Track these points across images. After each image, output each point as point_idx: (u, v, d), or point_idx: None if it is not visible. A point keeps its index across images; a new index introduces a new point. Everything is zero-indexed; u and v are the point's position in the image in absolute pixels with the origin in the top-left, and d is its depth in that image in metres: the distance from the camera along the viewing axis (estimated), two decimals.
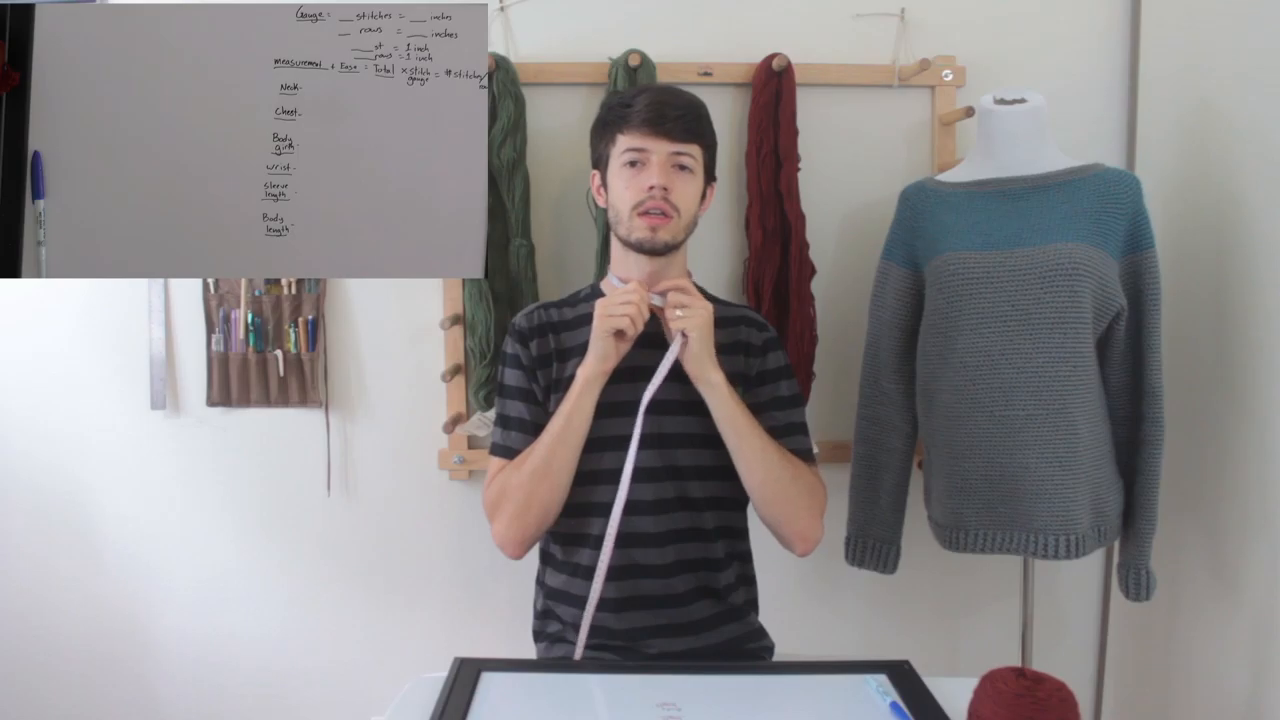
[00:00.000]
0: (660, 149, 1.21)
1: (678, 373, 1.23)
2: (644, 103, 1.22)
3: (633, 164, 1.22)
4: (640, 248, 1.24)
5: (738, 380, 1.28)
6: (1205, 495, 1.54)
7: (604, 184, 1.29)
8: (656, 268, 1.26)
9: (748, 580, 1.37)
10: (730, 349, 1.30)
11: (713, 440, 1.24)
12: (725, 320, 1.31)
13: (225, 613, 1.81)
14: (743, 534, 1.35)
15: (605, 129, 1.27)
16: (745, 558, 1.36)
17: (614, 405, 1.24)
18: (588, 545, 1.26)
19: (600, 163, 1.29)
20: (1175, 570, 1.59)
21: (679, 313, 1.20)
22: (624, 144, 1.23)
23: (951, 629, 1.85)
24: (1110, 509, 1.39)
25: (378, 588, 1.81)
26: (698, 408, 1.23)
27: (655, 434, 1.23)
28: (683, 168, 1.23)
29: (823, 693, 1.09)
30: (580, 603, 1.25)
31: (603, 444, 1.24)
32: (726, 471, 1.26)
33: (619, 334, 1.19)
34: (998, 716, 0.95)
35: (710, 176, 1.30)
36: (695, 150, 1.24)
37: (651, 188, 1.20)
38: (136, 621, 1.82)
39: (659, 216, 1.21)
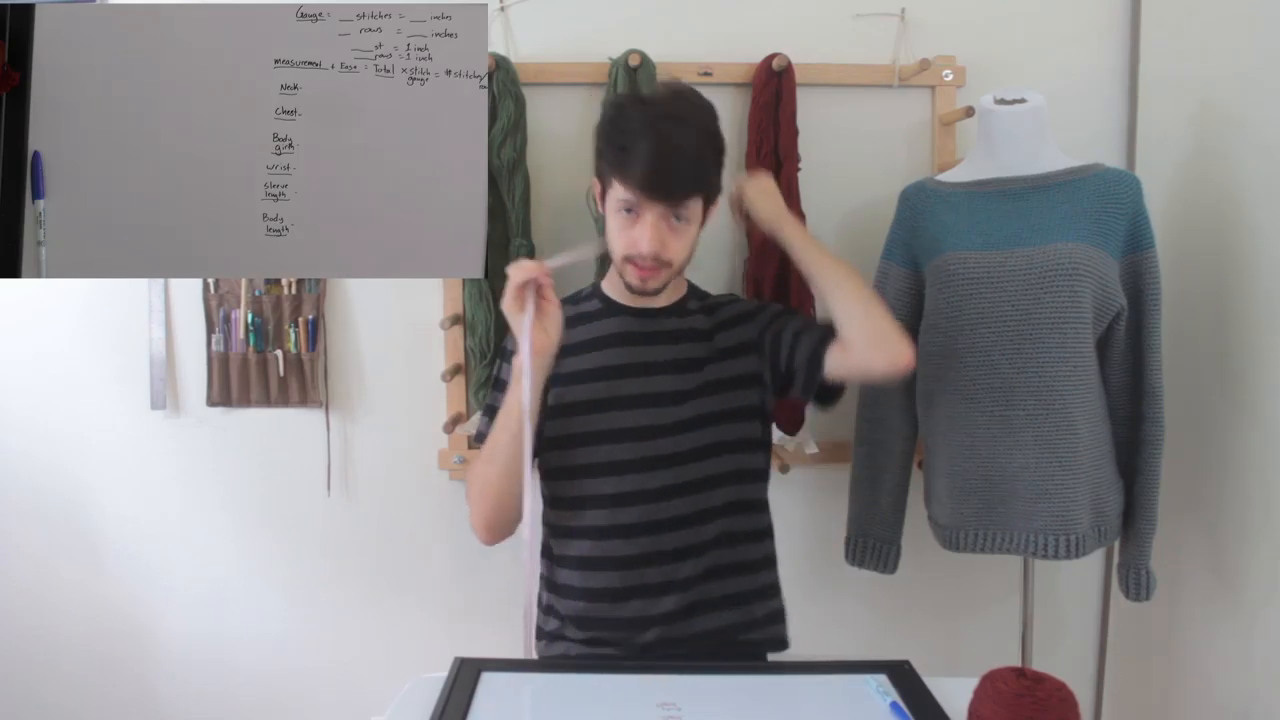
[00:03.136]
0: (654, 208, 1.17)
1: (679, 364, 1.26)
2: (640, 159, 1.13)
3: (627, 211, 1.19)
4: (632, 291, 1.25)
5: (751, 349, 1.30)
6: (1205, 495, 1.54)
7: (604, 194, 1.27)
8: None
9: (769, 561, 1.36)
10: (732, 323, 1.32)
11: (714, 417, 1.27)
12: (720, 306, 1.35)
13: (225, 613, 1.81)
14: (756, 507, 1.34)
15: (603, 159, 1.21)
16: (757, 536, 1.34)
17: (610, 400, 1.27)
18: (581, 536, 1.28)
19: (600, 178, 1.25)
20: (1175, 570, 1.59)
21: (747, 193, 1.31)
22: (619, 193, 1.18)
23: (951, 629, 1.85)
24: (1110, 509, 1.39)
25: (378, 588, 1.81)
26: (690, 395, 1.26)
27: (660, 424, 1.26)
28: (678, 218, 1.19)
29: (823, 693, 1.09)
30: (573, 593, 1.28)
31: (598, 437, 1.26)
32: (732, 445, 1.28)
33: (539, 298, 1.15)
34: (998, 716, 0.95)
35: (716, 195, 1.25)
36: (693, 201, 1.19)
37: (643, 253, 1.18)
38: (136, 621, 1.82)
39: (649, 270, 1.21)
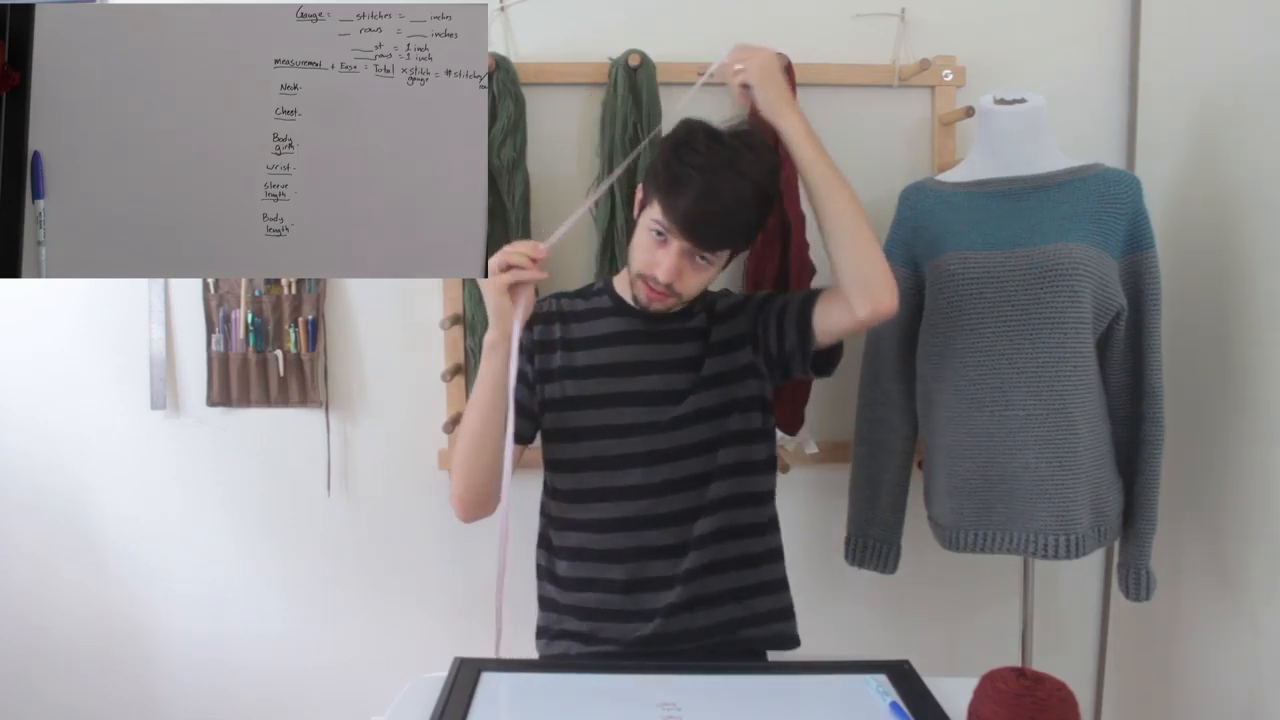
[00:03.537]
0: (683, 244, 1.18)
1: (681, 363, 1.28)
2: (688, 198, 1.14)
3: (659, 233, 1.20)
4: (636, 303, 1.27)
5: (745, 341, 1.31)
6: (1205, 495, 1.54)
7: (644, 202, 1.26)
8: None
9: (775, 555, 1.36)
10: (726, 316, 1.33)
11: (713, 411, 1.28)
12: (714, 301, 1.35)
13: (225, 613, 1.81)
14: (760, 499, 1.34)
15: (655, 176, 1.20)
16: (759, 529, 1.34)
17: (615, 396, 1.28)
18: (582, 529, 1.29)
19: (645, 187, 1.25)
20: (1175, 570, 1.59)
21: (737, 67, 1.21)
22: (657, 212, 1.18)
23: (951, 629, 1.85)
24: (1110, 509, 1.39)
25: (378, 588, 1.81)
26: (689, 391, 1.28)
27: (660, 420, 1.27)
28: (703, 258, 1.20)
29: (823, 693, 1.09)
30: (574, 585, 1.30)
31: (602, 432, 1.28)
32: (732, 437, 1.29)
33: (513, 289, 1.16)
34: (998, 716, 0.95)
35: (752, 242, 1.29)
36: (721, 252, 1.21)
37: (658, 280, 1.20)
38: (137, 621, 1.82)
39: (657, 295, 1.22)
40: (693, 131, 1.19)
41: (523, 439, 1.32)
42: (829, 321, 1.25)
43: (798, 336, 1.27)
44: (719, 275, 1.27)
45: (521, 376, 1.30)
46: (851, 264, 1.19)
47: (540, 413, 1.32)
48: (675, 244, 1.18)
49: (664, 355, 1.30)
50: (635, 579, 1.27)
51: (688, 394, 1.28)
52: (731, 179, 1.14)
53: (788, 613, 1.36)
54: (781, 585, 1.36)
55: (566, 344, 1.32)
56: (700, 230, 1.16)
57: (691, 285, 1.22)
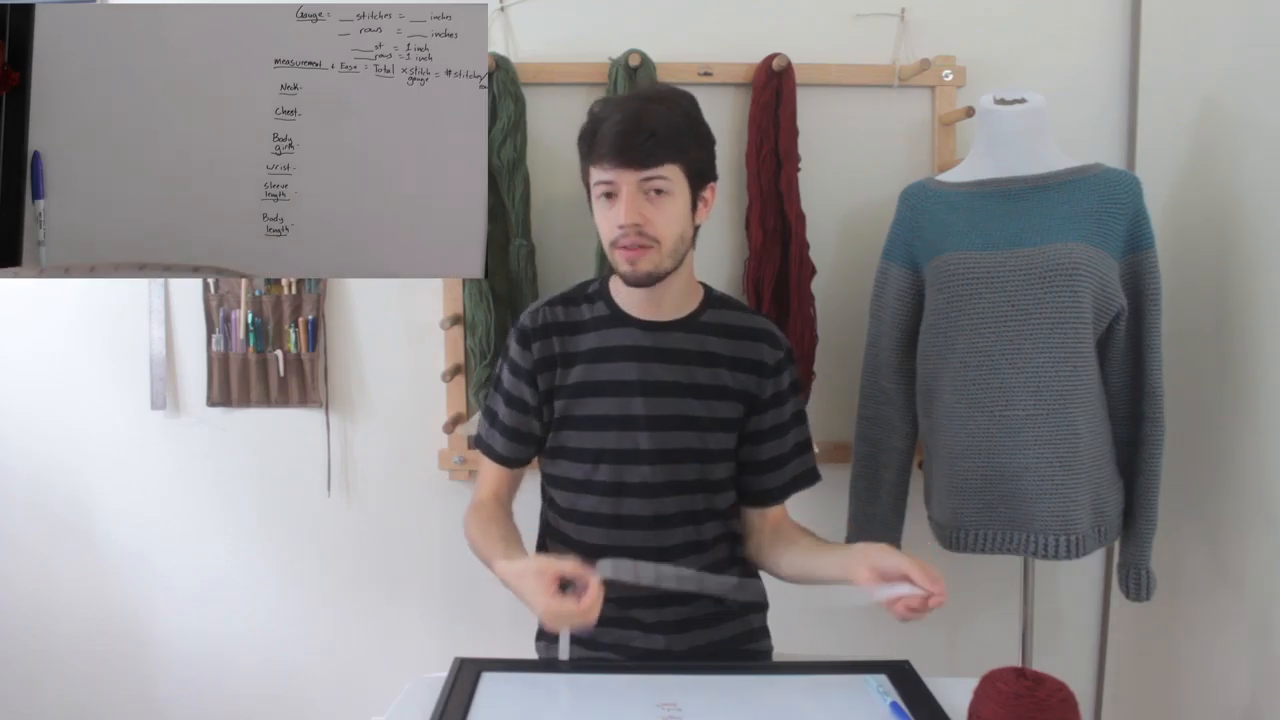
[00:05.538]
0: (628, 179, 1.11)
1: (692, 389, 1.23)
2: (610, 129, 1.11)
3: (607, 195, 1.15)
4: (626, 281, 1.19)
5: (743, 398, 1.25)
6: (1205, 495, 1.54)
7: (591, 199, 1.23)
8: (656, 289, 1.21)
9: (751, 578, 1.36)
10: (745, 366, 1.26)
11: (715, 452, 1.25)
12: (744, 332, 1.27)
13: (225, 612, 1.81)
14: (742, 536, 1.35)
15: (582, 156, 1.19)
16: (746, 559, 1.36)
17: (608, 419, 1.23)
18: (575, 548, 1.26)
19: (585, 182, 1.21)
20: (1175, 570, 1.59)
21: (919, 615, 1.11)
22: (595, 176, 1.15)
23: (951, 629, 1.85)
24: (1110, 509, 1.39)
25: (378, 588, 1.81)
26: (703, 390, 1.23)
27: (655, 449, 1.23)
28: (658, 192, 1.13)
29: (823, 693, 1.09)
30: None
31: (599, 456, 1.24)
32: (730, 483, 1.28)
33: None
34: (998, 716, 0.95)
35: (706, 180, 1.20)
36: (671, 170, 1.13)
37: (622, 226, 1.13)
38: (136, 621, 1.82)
39: (635, 250, 1.15)
40: (591, 108, 1.19)
41: (515, 463, 1.29)
42: (749, 527, 1.32)
43: (777, 489, 1.30)
44: (691, 220, 1.19)
45: (517, 401, 1.26)
46: (781, 576, 1.30)
47: (543, 434, 1.28)
48: (623, 187, 1.13)
49: (671, 375, 1.22)
50: (625, 597, 1.25)
51: (700, 426, 1.23)
52: (648, 104, 1.14)
53: (764, 633, 1.36)
54: (758, 608, 1.35)
55: (564, 359, 1.25)
56: (630, 150, 1.10)
57: (661, 225, 1.14)
